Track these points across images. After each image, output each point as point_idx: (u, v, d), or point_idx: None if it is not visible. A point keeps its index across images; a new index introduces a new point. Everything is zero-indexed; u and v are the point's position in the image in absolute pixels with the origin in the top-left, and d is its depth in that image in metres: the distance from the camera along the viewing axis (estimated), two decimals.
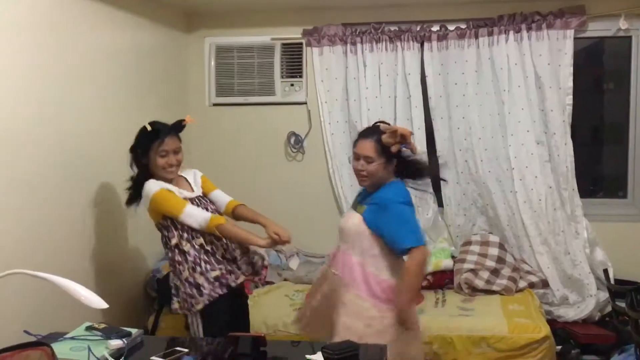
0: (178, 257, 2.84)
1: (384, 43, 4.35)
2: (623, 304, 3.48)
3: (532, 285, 4.11)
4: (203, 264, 2.83)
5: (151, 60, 4.04)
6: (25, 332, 2.38)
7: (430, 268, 4.08)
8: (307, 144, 4.59)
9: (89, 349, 2.20)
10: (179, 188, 2.91)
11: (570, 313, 4.04)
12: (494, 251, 4.19)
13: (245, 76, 4.61)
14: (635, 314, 3.29)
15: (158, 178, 2.86)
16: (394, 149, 2.69)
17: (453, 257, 4.30)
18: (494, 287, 4.00)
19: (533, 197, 4.21)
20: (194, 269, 2.82)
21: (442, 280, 4.16)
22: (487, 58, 4.24)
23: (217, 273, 2.83)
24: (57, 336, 2.38)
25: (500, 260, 4.15)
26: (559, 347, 3.69)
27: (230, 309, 2.89)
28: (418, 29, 4.33)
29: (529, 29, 4.17)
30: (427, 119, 4.37)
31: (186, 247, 2.83)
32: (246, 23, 4.58)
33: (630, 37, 4.24)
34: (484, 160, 4.30)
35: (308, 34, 4.49)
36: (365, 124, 4.28)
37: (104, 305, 1.87)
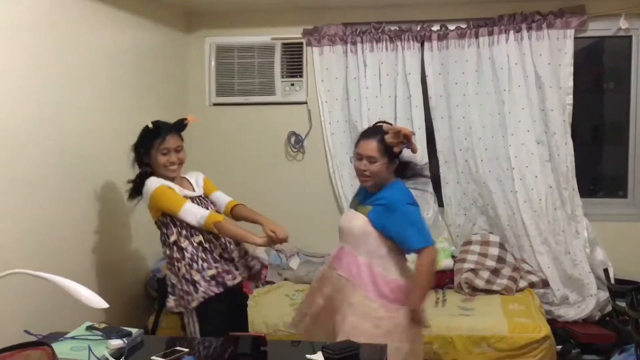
0: (176, 254, 2.84)
1: (384, 43, 4.35)
2: (623, 304, 3.48)
3: (532, 285, 4.11)
4: (200, 262, 2.83)
5: (151, 60, 4.04)
6: (26, 331, 2.38)
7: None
8: (308, 144, 4.59)
9: (90, 349, 2.20)
10: (180, 187, 2.91)
11: (570, 313, 4.04)
12: (494, 251, 4.20)
13: (246, 76, 4.61)
14: (636, 313, 3.29)
15: (160, 176, 2.87)
16: (396, 149, 2.71)
17: (453, 256, 4.30)
18: (494, 287, 4.01)
19: (533, 197, 4.21)
20: (190, 266, 2.82)
21: (442, 280, 4.16)
22: (488, 58, 4.24)
23: (213, 272, 2.84)
24: (58, 336, 2.38)
25: (500, 260, 4.15)
26: (559, 347, 3.69)
27: (228, 309, 2.90)
28: (418, 28, 4.33)
29: (529, 28, 4.17)
30: (427, 119, 4.38)
31: (184, 244, 2.84)
32: (246, 23, 4.58)
33: (630, 37, 4.24)
34: (484, 160, 4.30)
35: (308, 33, 4.49)
36: (366, 123, 4.29)
37: (104, 305, 1.87)
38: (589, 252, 4.21)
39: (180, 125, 2.97)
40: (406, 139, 2.71)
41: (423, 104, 4.35)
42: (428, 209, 4.38)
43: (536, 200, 4.21)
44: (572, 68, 4.17)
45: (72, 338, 2.35)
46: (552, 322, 3.86)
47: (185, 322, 2.88)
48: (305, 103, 4.56)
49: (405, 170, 2.85)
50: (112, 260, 3.50)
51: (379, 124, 2.86)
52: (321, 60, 4.48)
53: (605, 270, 4.09)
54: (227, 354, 2.33)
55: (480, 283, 4.02)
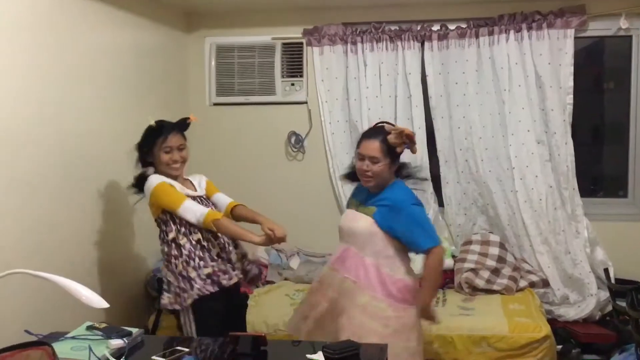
0: (174, 251, 2.85)
1: (384, 42, 4.35)
2: (623, 304, 3.48)
3: (532, 285, 4.11)
4: (197, 260, 2.84)
5: (151, 60, 4.04)
6: (26, 331, 2.38)
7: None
8: (308, 144, 4.59)
9: (90, 349, 2.20)
10: (182, 186, 2.92)
11: (570, 312, 4.04)
12: (494, 250, 4.20)
13: (246, 76, 4.61)
14: (636, 313, 3.29)
15: (162, 175, 2.89)
16: (399, 149, 2.73)
17: (454, 256, 4.30)
18: (495, 287, 4.01)
19: (533, 197, 4.21)
20: (187, 263, 2.83)
21: (442, 280, 4.15)
22: (488, 57, 4.24)
23: (209, 270, 2.85)
24: (58, 336, 2.38)
25: (500, 259, 4.15)
26: (560, 347, 3.70)
27: (224, 309, 2.89)
28: (418, 28, 4.33)
29: (529, 28, 4.17)
30: (427, 119, 4.38)
31: (182, 240, 2.85)
32: (246, 23, 4.58)
33: (630, 37, 4.24)
34: (484, 160, 4.30)
35: (308, 33, 4.49)
36: (366, 123, 4.29)
37: (104, 304, 1.87)
38: (589, 251, 4.21)
39: (182, 125, 2.99)
40: (409, 139, 2.73)
41: (423, 103, 4.35)
42: (428, 209, 4.37)
43: (536, 200, 4.21)
44: (572, 68, 4.17)
45: (73, 338, 2.35)
46: (553, 321, 3.86)
47: (181, 320, 2.89)
48: (306, 103, 4.56)
49: (400, 171, 2.87)
50: (113, 260, 3.50)
51: (381, 124, 2.86)
52: (321, 60, 4.48)
53: (606, 270, 4.09)
54: (227, 354, 2.33)
55: (480, 283, 4.02)
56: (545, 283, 4.16)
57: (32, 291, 2.72)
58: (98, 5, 3.38)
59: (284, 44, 4.55)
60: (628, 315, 3.43)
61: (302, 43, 4.53)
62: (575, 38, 4.17)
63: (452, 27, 4.30)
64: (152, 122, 2.92)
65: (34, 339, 2.30)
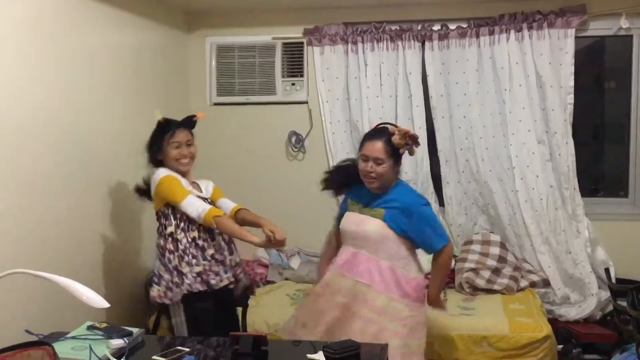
0: (170, 246, 2.88)
1: (385, 42, 4.35)
2: (624, 303, 3.48)
3: (533, 285, 4.11)
4: (190, 257, 2.87)
5: (152, 60, 4.04)
6: (27, 331, 2.38)
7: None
8: (308, 144, 4.59)
9: (91, 349, 2.20)
10: (188, 183, 2.95)
11: (571, 312, 4.04)
12: (495, 250, 4.19)
13: (246, 75, 4.61)
14: (637, 312, 3.29)
15: (171, 169, 2.92)
16: (401, 150, 2.73)
17: (454, 256, 4.29)
18: (495, 287, 4.01)
19: (534, 197, 4.21)
20: (182, 258, 2.86)
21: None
22: (488, 57, 4.24)
23: (200, 269, 2.86)
24: (59, 336, 2.39)
25: (501, 259, 4.15)
26: (560, 347, 3.69)
27: (215, 309, 2.90)
28: (419, 28, 4.33)
29: (530, 28, 4.17)
30: (428, 118, 4.38)
31: (180, 235, 2.87)
32: (247, 22, 4.58)
33: (631, 36, 4.24)
34: (485, 160, 4.30)
35: (309, 33, 4.49)
36: (367, 123, 4.30)
37: (105, 304, 1.87)
38: (590, 251, 4.21)
39: (189, 121, 3.02)
40: (412, 140, 2.74)
41: (424, 103, 4.35)
42: None
43: (537, 200, 4.20)
44: (573, 67, 4.17)
45: (73, 338, 2.35)
46: (553, 321, 3.85)
47: (172, 318, 2.90)
48: (306, 103, 4.56)
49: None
50: (114, 259, 3.50)
51: (382, 125, 2.87)
52: (322, 60, 4.48)
53: (606, 270, 4.09)
54: (228, 354, 2.33)
55: (481, 282, 4.02)
56: (546, 283, 4.16)
57: (32, 291, 2.72)
58: (98, 5, 3.38)
59: (284, 43, 4.55)
60: (629, 314, 3.43)
61: (302, 43, 4.53)
62: (576, 38, 4.17)
63: (452, 26, 4.30)
64: (159, 116, 2.96)
65: (34, 338, 2.31)
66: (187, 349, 2.28)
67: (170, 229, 2.88)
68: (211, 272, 2.88)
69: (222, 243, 2.97)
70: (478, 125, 4.29)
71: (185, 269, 2.85)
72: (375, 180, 2.76)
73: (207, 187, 3.10)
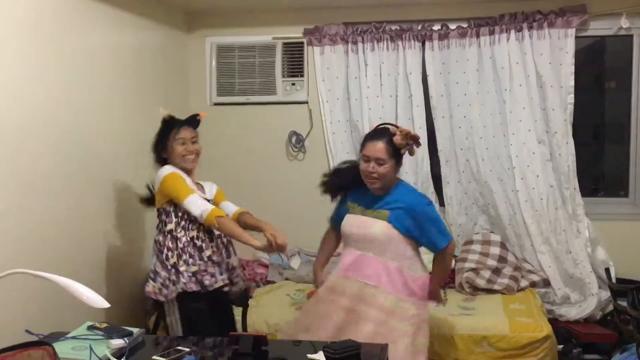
0: (169, 243, 2.88)
1: (385, 42, 4.35)
2: (624, 303, 3.48)
3: (533, 285, 4.11)
4: (187, 256, 2.88)
5: (152, 60, 4.04)
6: (27, 331, 2.38)
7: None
8: (309, 144, 4.59)
9: (91, 349, 2.20)
10: (192, 182, 2.96)
11: (571, 312, 4.04)
12: (495, 250, 4.19)
13: (246, 75, 4.61)
14: (637, 312, 3.29)
15: (176, 167, 2.93)
16: (403, 150, 2.74)
17: (455, 256, 4.28)
18: (496, 287, 4.00)
19: (534, 196, 4.21)
20: (180, 256, 2.87)
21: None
22: (489, 57, 4.24)
23: (195, 269, 2.87)
24: (59, 336, 2.39)
25: (501, 259, 4.15)
26: (561, 347, 3.69)
27: (209, 310, 2.90)
28: (419, 28, 4.33)
29: (530, 27, 4.17)
30: (428, 118, 4.38)
31: (180, 234, 2.89)
32: (247, 22, 4.58)
33: (631, 36, 4.24)
34: (485, 159, 4.30)
35: (309, 33, 4.49)
36: (367, 123, 4.30)
37: (105, 304, 1.87)
38: (590, 251, 4.21)
39: (193, 120, 3.04)
40: (414, 140, 2.75)
41: (424, 103, 4.35)
42: None
43: (537, 200, 4.20)
44: (573, 67, 4.17)
45: (74, 338, 2.35)
46: (554, 321, 3.85)
47: (166, 317, 2.91)
48: (306, 102, 4.56)
49: None
50: (114, 259, 3.50)
51: (383, 126, 2.87)
52: (322, 60, 4.47)
53: (607, 270, 4.09)
54: (228, 354, 2.33)
55: (481, 282, 4.02)
56: (546, 283, 4.16)
57: (33, 291, 2.72)
58: (98, 5, 3.38)
59: (284, 43, 4.55)
60: (629, 314, 3.43)
61: (302, 43, 4.53)
62: (576, 37, 4.17)
63: (452, 26, 4.30)
64: (164, 113, 2.99)
65: (34, 338, 2.30)
66: (187, 349, 2.28)
67: (171, 226, 2.89)
68: (206, 272, 2.89)
69: (220, 245, 2.97)
70: (478, 125, 4.29)
71: (182, 268, 2.86)
72: (377, 181, 2.77)
73: (211, 189, 3.10)
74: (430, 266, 3.00)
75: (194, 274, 2.87)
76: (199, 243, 2.90)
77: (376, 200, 2.82)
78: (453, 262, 4.21)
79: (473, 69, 4.27)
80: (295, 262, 4.43)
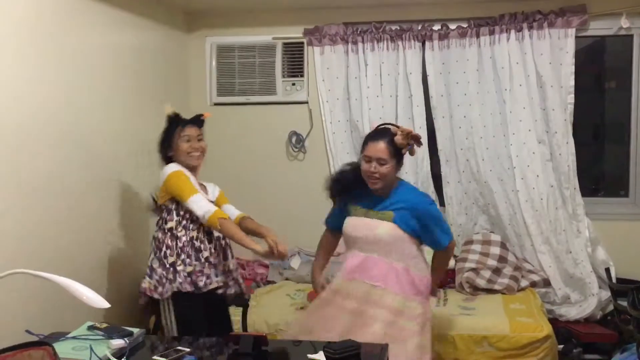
0: (169, 241, 2.89)
1: (385, 42, 4.35)
2: (625, 303, 3.48)
3: (533, 285, 4.11)
4: (186, 256, 2.88)
5: (152, 60, 4.04)
6: (27, 331, 2.38)
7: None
8: (309, 144, 4.59)
9: (91, 349, 2.21)
10: (196, 181, 2.96)
11: (572, 312, 4.04)
12: (495, 250, 4.19)
13: (247, 76, 4.61)
14: (637, 312, 3.29)
15: (182, 165, 2.93)
16: (404, 150, 2.75)
17: (455, 256, 4.29)
18: (496, 286, 4.01)
19: (534, 196, 4.21)
20: (179, 255, 2.87)
21: (443, 280, 4.15)
22: (489, 57, 4.23)
23: (190, 269, 2.87)
24: (59, 336, 2.39)
25: (501, 259, 4.15)
26: (561, 346, 3.69)
27: (206, 311, 2.90)
28: (419, 28, 4.33)
29: (530, 27, 4.17)
30: (428, 118, 4.37)
31: (180, 233, 2.89)
32: (247, 22, 4.58)
33: (631, 36, 4.24)
34: (485, 159, 4.30)
35: (309, 33, 4.49)
36: (367, 123, 4.30)
37: (105, 304, 1.87)
38: (591, 251, 4.20)
39: (198, 120, 3.04)
40: (415, 140, 2.76)
41: (424, 103, 4.35)
42: None
43: (537, 200, 4.20)
44: (573, 67, 4.16)
45: (74, 338, 2.35)
46: (554, 321, 3.85)
47: (162, 315, 2.90)
48: (306, 103, 4.56)
49: None
50: (114, 260, 3.50)
51: (385, 126, 2.87)
52: (322, 60, 4.47)
53: (607, 270, 4.09)
54: (228, 354, 2.33)
55: (481, 282, 4.02)
56: (547, 283, 4.16)
57: (33, 291, 2.72)
58: (98, 5, 3.37)
59: (284, 43, 4.55)
60: (629, 314, 3.43)
61: (302, 43, 4.53)
62: (576, 37, 4.17)
63: (452, 26, 4.30)
64: (170, 110, 2.99)
65: (35, 339, 2.31)
66: (188, 349, 2.28)
67: (171, 224, 2.89)
68: (201, 273, 2.88)
69: (218, 247, 2.97)
70: (478, 125, 4.29)
71: (180, 267, 2.86)
72: (378, 181, 2.77)
73: (214, 191, 3.11)
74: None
75: (189, 274, 2.87)
76: (197, 244, 2.90)
77: (379, 201, 2.82)
78: (453, 262, 4.23)
79: (473, 69, 4.27)
80: (295, 262, 4.43)
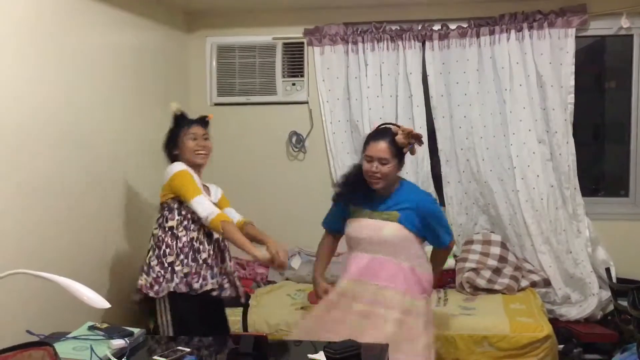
0: (169, 240, 2.88)
1: (385, 42, 4.35)
2: (625, 303, 3.48)
3: (534, 284, 4.11)
4: (184, 256, 2.87)
5: (152, 60, 4.04)
6: (28, 331, 2.38)
7: None
8: (309, 144, 4.59)
9: (92, 349, 2.21)
10: (201, 182, 2.96)
11: (572, 312, 4.04)
12: (495, 250, 4.19)
13: (247, 76, 4.61)
14: (638, 312, 3.29)
15: (187, 164, 2.93)
16: (405, 149, 2.76)
17: (455, 256, 4.30)
18: (496, 286, 4.01)
19: (535, 196, 4.21)
20: (178, 256, 2.86)
21: (444, 280, 4.15)
22: (489, 57, 4.24)
23: (187, 270, 2.86)
24: (60, 336, 2.39)
25: (502, 259, 4.15)
26: (561, 346, 3.69)
27: (200, 312, 2.88)
28: (419, 28, 4.33)
29: (530, 27, 4.17)
30: (428, 118, 4.38)
31: (181, 233, 2.88)
32: (247, 23, 4.58)
33: (631, 36, 4.24)
34: (485, 159, 4.30)
35: (309, 33, 4.49)
36: (367, 123, 4.30)
37: (106, 305, 1.87)
38: (591, 251, 4.20)
39: (203, 121, 3.05)
40: (416, 139, 2.76)
41: (424, 103, 4.35)
42: None
43: (538, 200, 4.20)
44: (573, 67, 4.17)
45: (74, 338, 2.35)
46: (554, 321, 3.85)
47: (157, 313, 2.89)
48: (307, 103, 4.56)
49: None
50: (114, 260, 3.50)
51: (385, 125, 2.88)
52: (322, 60, 4.47)
53: (607, 270, 4.08)
54: (228, 354, 2.33)
55: (481, 282, 4.02)
56: (547, 283, 4.16)
57: (33, 291, 2.72)
58: (98, 5, 3.37)
59: (284, 43, 4.55)
60: (630, 314, 3.43)
61: (303, 43, 4.53)
62: (576, 37, 4.17)
63: (453, 26, 4.30)
64: (175, 108, 3.01)
65: (35, 339, 2.30)
66: (188, 349, 2.28)
67: (172, 223, 2.89)
68: (197, 275, 2.87)
69: (217, 249, 2.97)
70: (478, 125, 4.29)
71: (178, 268, 2.85)
72: (380, 181, 2.78)
73: (216, 193, 3.10)
74: None
75: (186, 275, 2.86)
76: (197, 245, 2.89)
77: (382, 202, 2.82)
78: (453, 262, 4.24)
79: (473, 69, 4.27)
80: (295, 262, 4.43)
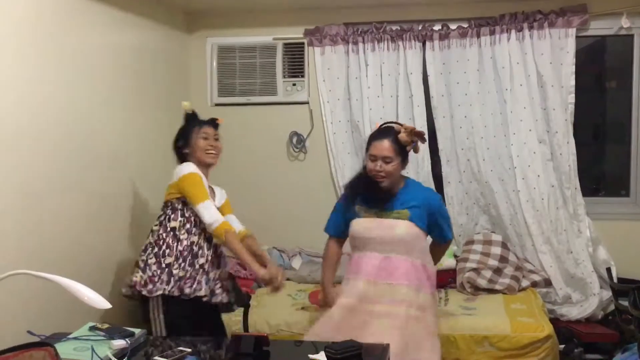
0: (170, 241, 2.87)
1: (385, 42, 4.35)
2: (626, 303, 3.47)
3: (534, 284, 4.11)
4: (182, 260, 2.86)
5: (153, 60, 4.04)
6: (29, 332, 2.38)
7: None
8: (309, 144, 4.59)
9: (92, 349, 2.20)
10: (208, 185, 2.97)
11: (573, 312, 4.04)
12: (496, 250, 4.19)
13: (247, 76, 4.61)
14: (638, 312, 3.28)
15: (198, 163, 2.93)
16: (408, 147, 2.77)
17: (455, 256, 4.30)
18: (497, 286, 4.00)
19: (535, 196, 4.21)
20: (177, 258, 2.85)
21: (444, 280, 4.15)
22: (489, 57, 4.23)
23: (182, 273, 2.85)
24: (61, 336, 2.39)
25: (502, 259, 4.15)
26: (562, 346, 3.69)
27: (193, 316, 2.87)
28: (420, 28, 4.33)
29: (530, 27, 4.17)
30: (429, 118, 4.38)
31: (182, 236, 2.88)
32: (248, 23, 4.58)
33: (632, 36, 4.24)
34: (486, 159, 4.30)
35: (310, 33, 4.49)
36: (368, 123, 4.30)
37: (107, 305, 1.86)
38: (592, 251, 4.20)
39: (214, 122, 3.08)
40: (418, 137, 2.78)
41: (425, 103, 4.36)
42: None
43: (538, 200, 4.20)
44: (573, 67, 4.16)
45: (75, 338, 2.35)
46: (555, 321, 3.85)
47: (150, 313, 2.88)
48: (307, 103, 4.56)
49: None
50: (115, 260, 3.50)
51: (388, 124, 2.89)
52: (323, 60, 4.47)
53: (608, 269, 4.09)
54: (229, 354, 2.33)
55: (482, 282, 4.02)
56: (548, 282, 4.16)
57: (34, 292, 2.72)
58: (98, 5, 3.37)
59: (285, 44, 4.55)
60: (630, 314, 3.42)
61: (303, 43, 4.53)
62: (577, 37, 4.17)
63: (453, 26, 4.30)
64: (187, 107, 3.05)
65: (36, 339, 2.30)
66: (189, 349, 2.28)
67: (174, 223, 2.88)
68: (192, 280, 2.85)
69: (214, 255, 2.96)
70: (479, 125, 4.29)
71: (175, 270, 2.84)
72: (385, 179, 2.79)
73: (221, 196, 3.10)
74: None
75: (180, 278, 2.84)
76: (196, 249, 2.89)
77: (390, 201, 2.83)
78: (454, 262, 4.24)
79: (474, 69, 4.27)
80: (296, 263, 4.43)
